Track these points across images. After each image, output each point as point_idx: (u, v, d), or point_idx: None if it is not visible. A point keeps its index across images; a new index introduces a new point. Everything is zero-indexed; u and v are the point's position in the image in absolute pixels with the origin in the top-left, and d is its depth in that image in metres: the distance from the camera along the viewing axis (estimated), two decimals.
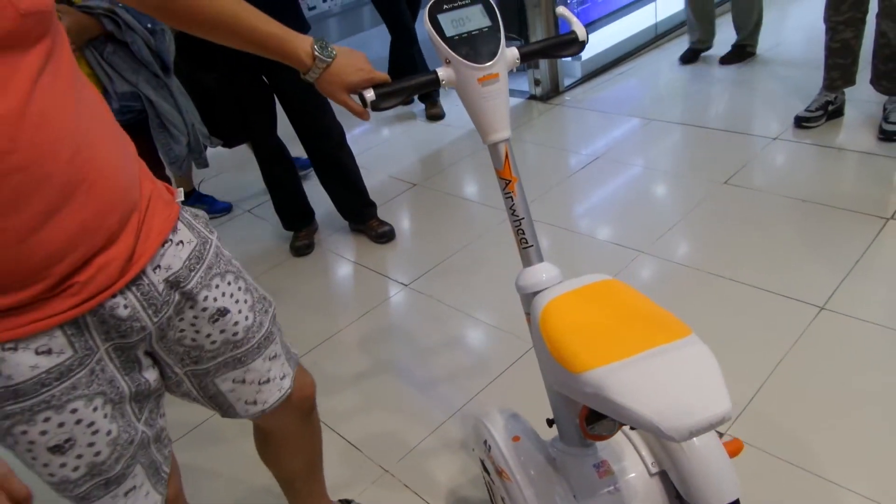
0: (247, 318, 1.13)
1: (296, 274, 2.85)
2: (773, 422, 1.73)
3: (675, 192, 2.91)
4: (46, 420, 0.92)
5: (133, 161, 1.00)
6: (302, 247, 2.98)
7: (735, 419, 1.76)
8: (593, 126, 3.63)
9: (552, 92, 4.06)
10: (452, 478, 1.77)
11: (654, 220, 2.68)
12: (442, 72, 1.11)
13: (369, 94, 1.08)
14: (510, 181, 1.14)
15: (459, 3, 1.10)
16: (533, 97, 4.08)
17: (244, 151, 4.05)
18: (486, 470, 1.40)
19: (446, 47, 1.08)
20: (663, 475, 1.20)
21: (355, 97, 1.12)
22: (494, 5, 1.12)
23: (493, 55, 1.09)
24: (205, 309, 1.06)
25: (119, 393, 0.99)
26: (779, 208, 2.60)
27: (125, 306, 0.95)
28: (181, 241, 1.04)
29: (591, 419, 1.00)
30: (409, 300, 2.54)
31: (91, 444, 0.96)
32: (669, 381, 0.85)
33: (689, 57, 4.12)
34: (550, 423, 1.31)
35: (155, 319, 1.00)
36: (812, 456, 1.62)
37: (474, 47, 1.09)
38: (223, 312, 1.09)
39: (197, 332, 1.07)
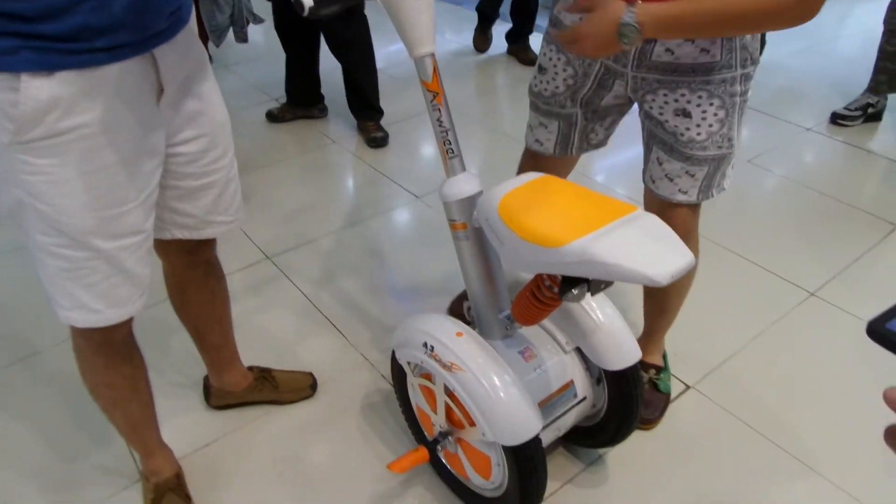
0: (698, 134, 1.35)
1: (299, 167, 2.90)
2: (741, 386, 1.80)
3: None
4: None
5: None
6: (273, 113, 3.18)
7: (706, 376, 1.83)
8: None
9: None
10: None
11: None
12: None
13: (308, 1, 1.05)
14: (438, 93, 1.17)
15: None
16: None
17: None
18: (411, 373, 1.43)
19: None
20: (577, 351, 1.41)
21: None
22: None
23: None
24: (677, 101, 1.33)
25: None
26: (794, 195, 2.63)
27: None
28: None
29: (565, 288, 1.09)
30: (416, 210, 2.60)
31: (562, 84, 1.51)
32: (642, 242, 1.00)
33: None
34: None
35: (637, 72, 1.35)
36: (773, 425, 1.70)
37: None
38: (686, 113, 1.34)
39: (661, 107, 1.37)
